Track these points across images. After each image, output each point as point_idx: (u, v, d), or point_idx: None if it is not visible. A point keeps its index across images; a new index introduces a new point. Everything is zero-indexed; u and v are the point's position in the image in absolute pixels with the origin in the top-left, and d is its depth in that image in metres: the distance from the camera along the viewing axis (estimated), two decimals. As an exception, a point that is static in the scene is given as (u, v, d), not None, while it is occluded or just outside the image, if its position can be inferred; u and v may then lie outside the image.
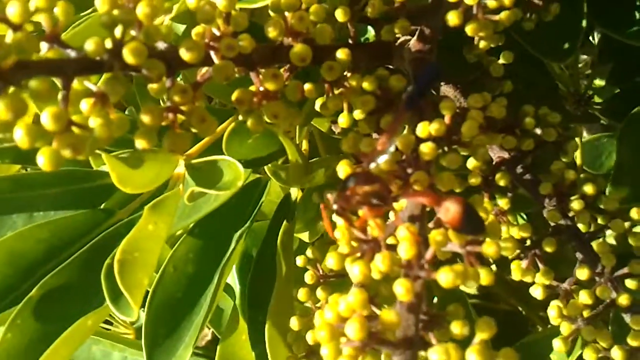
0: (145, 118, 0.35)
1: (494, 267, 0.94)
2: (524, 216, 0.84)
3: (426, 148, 0.37)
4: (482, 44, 0.45)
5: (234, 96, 0.39)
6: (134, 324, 0.90)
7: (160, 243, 0.48)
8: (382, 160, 0.35)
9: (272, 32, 0.39)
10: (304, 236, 0.71)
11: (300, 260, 0.53)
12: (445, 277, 0.31)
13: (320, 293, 0.50)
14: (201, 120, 0.36)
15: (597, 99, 0.75)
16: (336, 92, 0.44)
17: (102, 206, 0.55)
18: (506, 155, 0.47)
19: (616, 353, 0.41)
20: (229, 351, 0.61)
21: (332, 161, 0.59)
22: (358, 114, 0.45)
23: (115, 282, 0.44)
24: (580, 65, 0.82)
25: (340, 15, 0.44)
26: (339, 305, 0.32)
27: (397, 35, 0.48)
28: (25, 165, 0.58)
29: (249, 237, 0.70)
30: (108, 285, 0.45)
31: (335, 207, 0.35)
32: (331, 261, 0.36)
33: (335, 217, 0.35)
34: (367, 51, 0.48)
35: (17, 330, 0.47)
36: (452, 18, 0.41)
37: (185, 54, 0.35)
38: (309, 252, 0.54)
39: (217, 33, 0.37)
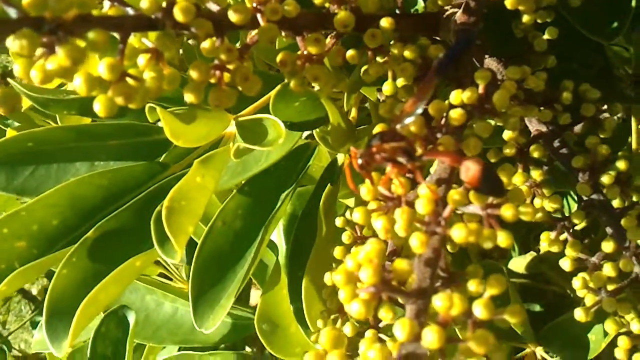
0: (194, 73, 0.37)
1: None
2: (575, 197, 0.84)
3: (455, 114, 0.38)
4: (526, 18, 0.46)
5: (278, 58, 0.42)
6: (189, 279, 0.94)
7: (207, 195, 0.51)
8: (409, 121, 0.37)
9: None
10: (350, 202, 0.74)
11: (339, 221, 0.56)
12: (458, 233, 0.33)
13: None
14: (245, 79, 0.38)
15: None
16: (379, 60, 0.45)
17: (159, 159, 0.59)
18: (544, 128, 0.48)
19: (636, 326, 0.42)
20: (270, 303, 0.64)
21: (378, 129, 0.61)
22: (401, 82, 0.47)
23: (162, 227, 0.47)
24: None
25: (387, -15, 0.46)
26: (359, 255, 0.34)
27: (445, 8, 0.49)
28: (91, 117, 0.62)
29: (296, 199, 0.73)
30: (156, 230, 0.49)
31: (359, 161, 0.37)
32: (357, 215, 0.38)
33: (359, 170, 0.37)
34: (414, 21, 0.50)
35: (72, 267, 0.52)
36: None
37: (233, 16, 0.37)
38: (348, 214, 0.56)
39: (266, -3, 0.40)
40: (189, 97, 0.38)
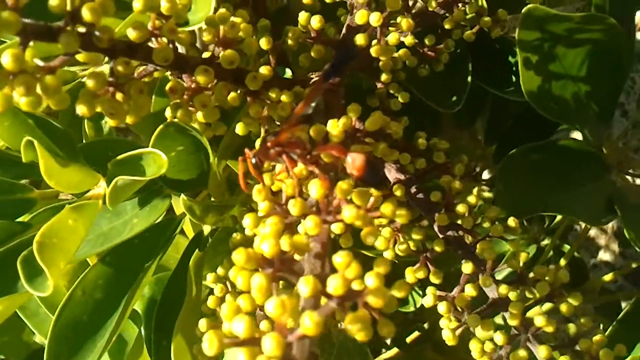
0: (90, 82, 0.39)
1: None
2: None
3: (335, 131, 0.42)
4: (384, 77, 0.53)
5: (168, 86, 0.44)
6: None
7: (78, 240, 0.50)
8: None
9: (206, 37, 0.45)
10: (208, 283, 0.73)
11: (211, 277, 0.56)
12: (349, 212, 0.35)
13: (229, 298, 0.53)
14: (139, 91, 0.40)
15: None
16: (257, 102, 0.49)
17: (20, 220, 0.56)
18: (402, 177, 0.53)
19: (498, 337, 0.46)
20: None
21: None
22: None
23: (30, 265, 0.46)
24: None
25: (264, 43, 0.51)
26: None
27: (310, 75, 0.55)
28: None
29: (155, 285, 0.72)
30: (24, 269, 0.46)
31: (253, 160, 0.39)
32: (247, 221, 0.40)
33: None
34: (288, 83, 0.55)
35: None
36: (359, 39, 0.48)
37: (131, 32, 0.40)
38: (219, 270, 0.57)
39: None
40: (81, 109, 0.39)
